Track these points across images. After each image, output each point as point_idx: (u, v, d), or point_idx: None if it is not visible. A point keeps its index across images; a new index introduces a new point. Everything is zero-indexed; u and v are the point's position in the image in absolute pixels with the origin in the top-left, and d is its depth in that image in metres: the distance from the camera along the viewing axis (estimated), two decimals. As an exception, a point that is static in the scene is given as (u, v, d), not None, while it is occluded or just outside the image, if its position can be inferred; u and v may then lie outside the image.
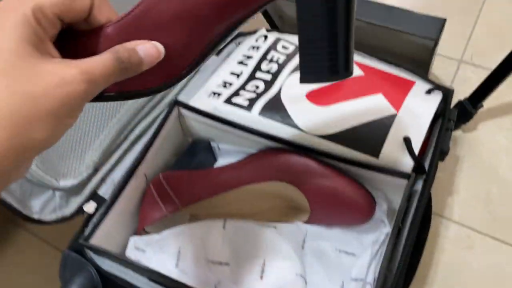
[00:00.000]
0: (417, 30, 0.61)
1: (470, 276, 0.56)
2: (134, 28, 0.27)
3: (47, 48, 0.24)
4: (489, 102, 0.63)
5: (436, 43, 0.61)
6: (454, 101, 0.55)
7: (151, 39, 0.27)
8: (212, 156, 0.59)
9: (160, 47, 0.27)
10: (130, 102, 0.53)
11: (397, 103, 0.50)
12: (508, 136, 0.67)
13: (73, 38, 0.26)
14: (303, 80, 0.33)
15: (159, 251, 0.48)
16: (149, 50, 0.26)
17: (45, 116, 0.21)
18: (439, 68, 0.75)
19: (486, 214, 0.61)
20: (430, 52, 0.60)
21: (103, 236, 0.46)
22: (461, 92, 0.60)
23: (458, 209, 0.62)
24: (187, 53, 0.29)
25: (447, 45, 0.77)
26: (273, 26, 0.71)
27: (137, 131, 0.54)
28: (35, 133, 0.21)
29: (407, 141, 0.46)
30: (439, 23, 0.66)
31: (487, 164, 0.65)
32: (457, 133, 0.68)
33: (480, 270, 0.56)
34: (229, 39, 0.31)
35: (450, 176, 0.64)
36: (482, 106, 0.63)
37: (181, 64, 0.29)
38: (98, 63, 0.24)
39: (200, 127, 0.55)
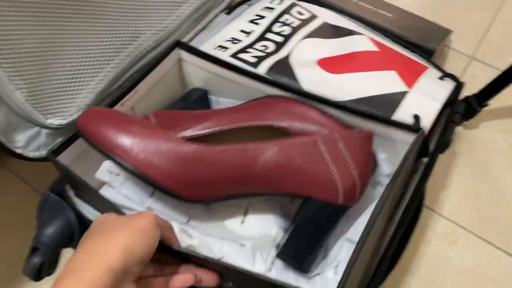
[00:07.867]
0: (420, 39, 0.64)
1: (451, 271, 0.56)
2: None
3: None
4: (493, 103, 0.62)
5: (433, 53, 0.64)
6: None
7: None
8: (208, 107, 0.56)
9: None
10: (131, 48, 0.50)
11: (409, 82, 0.49)
12: (507, 138, 0.67)
13: None
14: (280, 255, 0.42)
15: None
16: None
17: None
18: (450, 62, 0.73)
19: (475, 212, 0.60)
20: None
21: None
22: (468, 89, 0.59)
23: (448, 204, 0.61)
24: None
25: (461, 41, 0.75)
26: None
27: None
28: None
29: (416, 119, 0.45)
30: (442, 34, 0.68)
31: (482, 164, 0.64)
32: (458, 129, 0.67)
33: (461, 267, 0.56)
34: None
35: (445, 170, 0.63)
36: (487, 105, 0.62)
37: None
38: None
39: (200, 75, 0.53)
